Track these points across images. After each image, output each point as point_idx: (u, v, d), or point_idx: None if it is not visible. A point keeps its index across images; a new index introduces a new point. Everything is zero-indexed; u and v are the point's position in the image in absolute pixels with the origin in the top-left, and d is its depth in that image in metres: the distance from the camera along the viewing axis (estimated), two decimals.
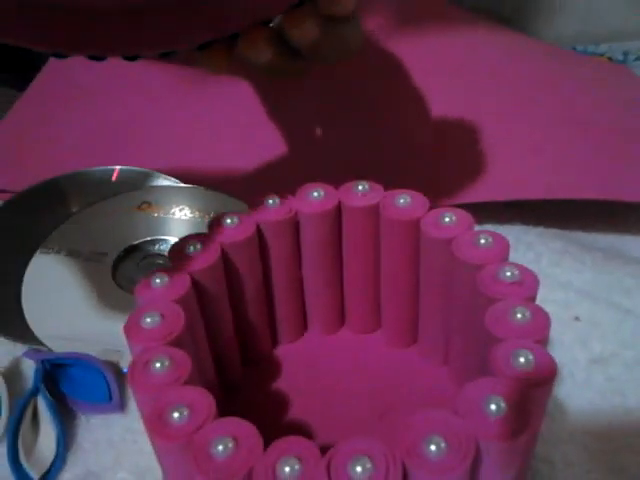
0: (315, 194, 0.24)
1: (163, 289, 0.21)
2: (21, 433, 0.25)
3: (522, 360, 0.17)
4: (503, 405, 0.16)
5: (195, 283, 0.22)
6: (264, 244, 0.24)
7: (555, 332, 0.28)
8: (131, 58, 0.23)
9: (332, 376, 0.26)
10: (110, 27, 0.22)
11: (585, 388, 0.26)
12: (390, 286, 0.26)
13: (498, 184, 0.32)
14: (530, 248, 0.31)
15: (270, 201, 0.24)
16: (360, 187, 0.24)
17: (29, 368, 0.28)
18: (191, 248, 0.22)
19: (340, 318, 0.28)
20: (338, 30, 0.23)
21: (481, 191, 0.32)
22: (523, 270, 0.20)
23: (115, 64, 0.24)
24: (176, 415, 0.17)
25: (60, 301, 0.31)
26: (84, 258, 0.33)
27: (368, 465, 0.15)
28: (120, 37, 0.22)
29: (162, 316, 0.20)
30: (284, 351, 0.28)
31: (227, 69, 0.23)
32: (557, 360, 0.27)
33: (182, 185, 0.37)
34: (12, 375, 0.28)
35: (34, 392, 0.26)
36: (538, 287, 0.20)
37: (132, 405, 0.27)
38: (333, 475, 0.15)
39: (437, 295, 0.24)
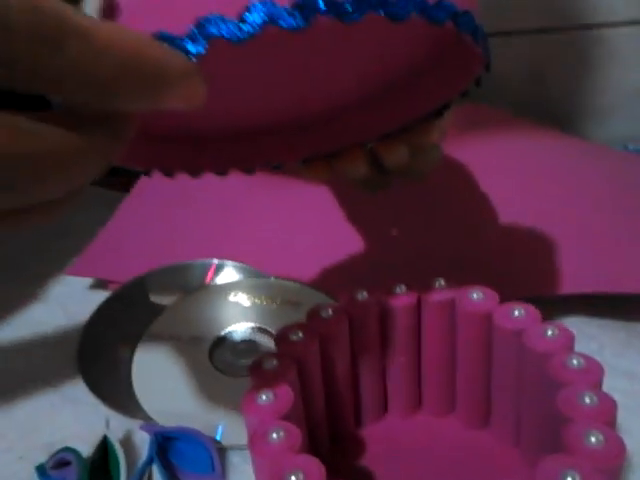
0: (398, 289, 0.28)
1: (273, 371, 0.25)
2: None
3: (593, 440, 0.20)
4: (578, 479, 0.19)
5: (298, 364, 0.25)
6: (354, 332, 0.28)
7: (623, 420, 0.30)
8: (248, 170, 0.28)
9: (411, 456, 0.29)
10: (233, 147, 0.27)
11: None
12: (464, 374, 0.29)
13: (563, 279, 0.35)
14: (593, 339, 0.33)
15: (359, 295, 0.28)
16: (437, 284, 0.28)
17: (140, 440, 0.32)
18: (294, 337, 0.26)
19: (418, 402, 0.31)
20: (424, 155, 0.27)
21: (545, 286, 0.35)
22: (588, 359, 0.23)
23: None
24: (293, 478, 0.20)
25: (165, 381, 0.35)
26: (184, 342, 0.37)
27: None
28: (240, 156, 0.27)
29: (275, 394, 0.23)
30: (367, 431, 0.30)
31: (327, 181, 0.27)
32: (628, 449, 0.29)
33: (269, 277, 0.41)
34: (126, 445, 0.31)
35: (149, 461, 0.29)
36: (603, 375, 0.23)
37: (231, 474, 0.30)
38: None
39: (509, 382, 0.27)
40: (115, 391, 0.35)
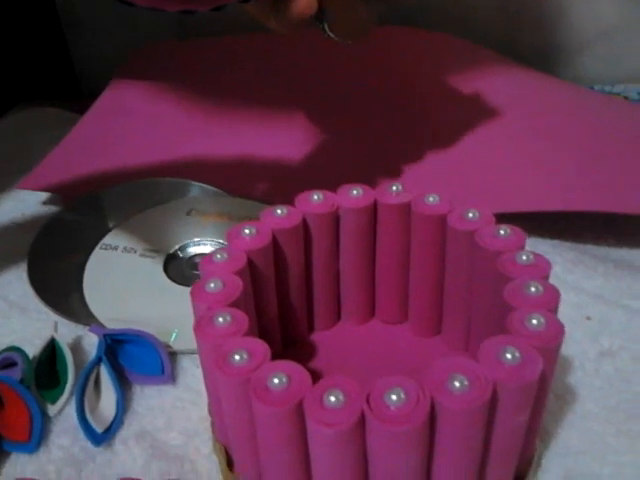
0: (354, 192, 0.28)
1: (223, 263, 0.24)
2: (86, 396, 0.28)
3: (534, 322, 0.20)
4: (517, 355, 0.19)
5: (249, 262, 0.25)
6: (308, 235, 0.28)
7: (568, 330, 0.30)
8: (188, 12, 0.26)
9: (361, 361, 0.29)
10: None
11: (594, 377, 0.28)
12: (418, 278, 0.29)
13: (518, 197, 0.35)
14: (545, 255, 0.34)
15: (315, 196, 0.28)
16: (394, 188, 0.28)
17: (89, 345, 0.32)
18: (247, 231, 0.26)
19: (371, 310, 0.31)
20: None
21: (502, 203, 0.35)
22: (537, 255, 0.23)
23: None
24: (237, 357, 0.20)
25: (117, 290, 0.34)
26: (139, 255, 0.37)
27: (402, 395, 0.18)
28: None
29: (223, 283, 0.23)
30: (319, 337, 0.30)
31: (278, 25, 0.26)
32: (569, 353, 0.30)
33: (224, 194, 0.40)
34: (75, 350, 0.31)
35: (97, 361, 0.29)
36: (551, 269, 0.23)
37: (181, 378, 0.30)
38: (372, 403, 0.18)
39: (461, 286, 0.27)
40: (65, 299, 0.34)
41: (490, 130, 0.40)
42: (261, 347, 0.21)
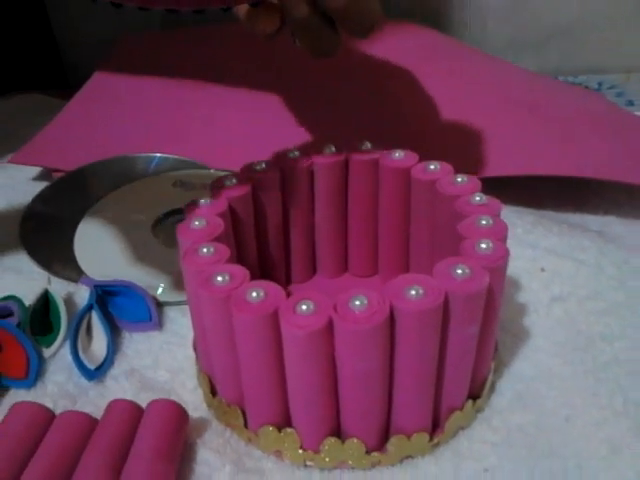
0: (327, 150, 0.30)
1: (207, 207, 0.26)
2: (79, 338, 0.30)
3: (483, 246, 0.23)
4: (467, 271, 0.22)
5: (230, 208, 0.27)
6: (286, 189, 0.30)
7: (524, 280, 0.33)
8: (171, 11, 0.29)
9: None
10: None
11: (546, 319, 0.31)
12: (386, 230, 0.31)
13: (485, 163, 0.38)
14: (506, 219, 0.37)
15: (291, 154, 0.30)
16: (364, 146, 0.30)
17: (81, 299, 0.34)
18: (228, 182, 0.28)
19: (344, 264, 0.34)
20: (364, 2, 0.28)
21: (470, 168, 0.38)
22: (489, 198, 0.26)
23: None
24: (219, 279, 0.22)
25: (107, 251, 0.36)
26: (128, 220, 0.39)
27: (365, 302, 0.20)
28: None
29: (207, 222, 0.25)
30: (294, 290, 0.33)
31: (269, 29, 0.28)
32: (525, 300, 0.33)
33: (207, 168, 0.43)
34: (68, 304, 0.33)
35: (89, 309, 0.31)
36: (501, 209, 0.26)
37: (168, 326, 0.32)
38: (339, 309, 0.21)
39: (425, 233, 0.30)
40: (57, 261, 0.36)
41: (468, 101, 0.43)
42: (241, 271, 0.23)
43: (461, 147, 0.40)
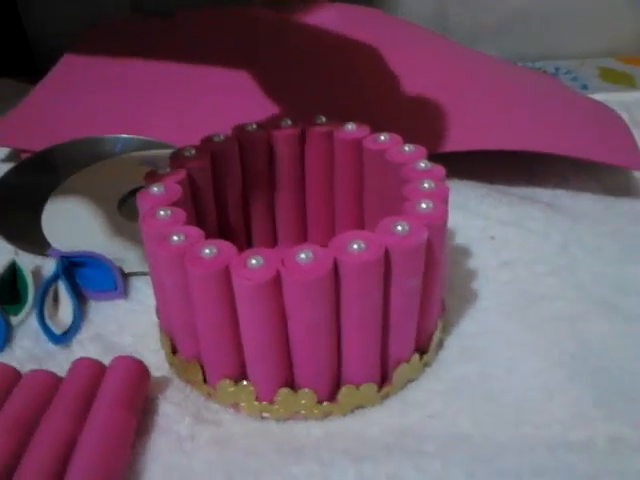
0: (284, 123, 0.32)
1: (165, 175, 0.28)
2: (45, 306, 0.31)
3: (424, 206, 0.24)
4: (407, 227, 0.23)
5: (190, 177, 0.29)
6: (244, 159, 0.31)
7: (474, 248, 0.35)
8: None
9: None
10: None
11: (494, 282, 0.33)
12: (341, 199, 0.33)
13: (443, 139, 0.40)
14: (459, 192, 0.38)
15: (249, 127, 0.31)
16: (319, 120, 0.32)
17: (48, 272, 0.35)
18: (187, 153, 0.29)
19: (304, 235, 0.35)
20: None
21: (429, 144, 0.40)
22: (434, 164, 0.28)
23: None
24: (175, 238, 0.24)
25: (74, 226, 0.37)
26: (94, 196, 0.40)
27: (310, 255, 0.22)
28: None
29: (165, 188, 0.27)
30: None
31: None
32: (475, 266, 0.34)
33: (175, 147, 0.44)
34: (35, 276, 0.34)
35: (55, 277, 0.32)
36: (445, 175, 0.27)
37: (133, 294, 0.33)
38: (286, 263, 0.22)
39: (376, 202, 0.31)
40: (25, 236, 0.37)
41: (416, 81, 0.45)
42: (197, 232, 0.24)
43: (419, 123, 0.42)
